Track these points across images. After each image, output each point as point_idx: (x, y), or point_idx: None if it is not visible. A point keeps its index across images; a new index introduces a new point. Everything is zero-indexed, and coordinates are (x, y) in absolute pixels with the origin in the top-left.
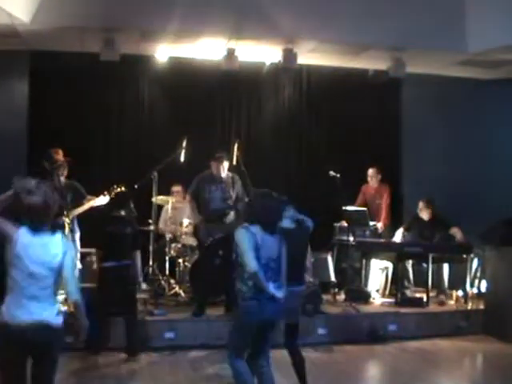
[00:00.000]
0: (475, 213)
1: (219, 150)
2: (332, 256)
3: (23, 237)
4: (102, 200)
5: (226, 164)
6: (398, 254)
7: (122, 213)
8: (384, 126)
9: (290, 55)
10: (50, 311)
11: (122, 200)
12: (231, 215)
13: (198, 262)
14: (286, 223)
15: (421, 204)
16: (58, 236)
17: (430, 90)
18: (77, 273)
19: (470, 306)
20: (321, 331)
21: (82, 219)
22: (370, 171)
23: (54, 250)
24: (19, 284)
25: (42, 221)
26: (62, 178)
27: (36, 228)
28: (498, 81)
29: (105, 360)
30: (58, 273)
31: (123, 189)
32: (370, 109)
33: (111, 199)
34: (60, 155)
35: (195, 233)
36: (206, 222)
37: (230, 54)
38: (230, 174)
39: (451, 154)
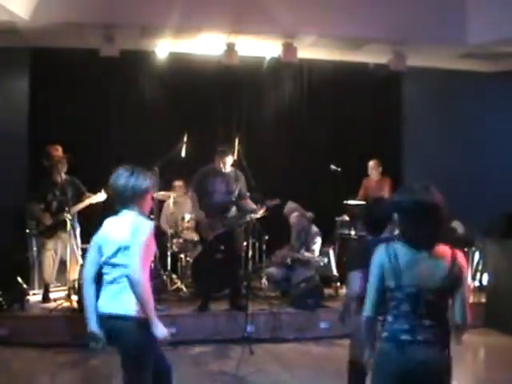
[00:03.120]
0: (476, 206)
1: (222, 144)
2: (334, 250)
3: None
4: (100, 197)
5: (229, 158)
6: None
7: None
8: (385, 120)
9: (289, 49)
10: None
11: None
12: (233, 210)
13: (199, 256)
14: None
15: None
16: None
17: (431, 83)
18: None
19: (471, 299)
20: (323, 325)
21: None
22: (371, 164)
23: None
24: None
25: None
26: (62, 175)
27: None
28: (498, 73)
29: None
30: None
31: None
32: (371, 102)
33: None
34: (59, 152)
35: (197, 228)
36: (207, 217)
37: (230, 48)
38: (234, 170)
39: (452, 147)
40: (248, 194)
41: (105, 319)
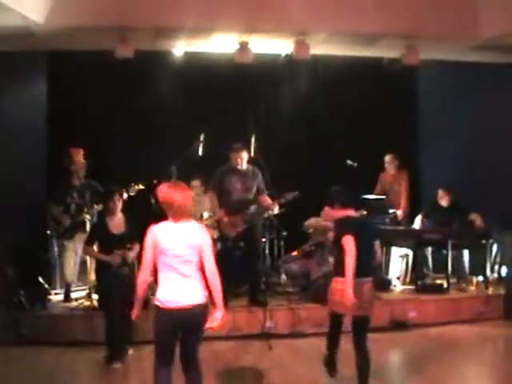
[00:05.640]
0: (494, 198)
1: (236, 141)
2: None
3: None
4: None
5: (244, 155)
6: (418, 241)
7: None
8: (400, 113)
9: (302, 46)
10: None
11: (143, 197)
12: (252, 207)
13: (219, 254)
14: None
15: (440, 192)
16: None
17: (447, 76)
18: None
19: (490, 291)
20: None
21: None
22: (387, 158)
23: None
24: None
25: None
26: (82, 178)
27: None
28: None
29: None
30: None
31: (141, 186)
32: (387, 96)
33: (132, 197)
34: (80, 156)
35: (219, 226)
36: (227, 215)
37: (243, 47)
38: (251, 167)
39: (468, 140)
40: (266, 191)
41: None
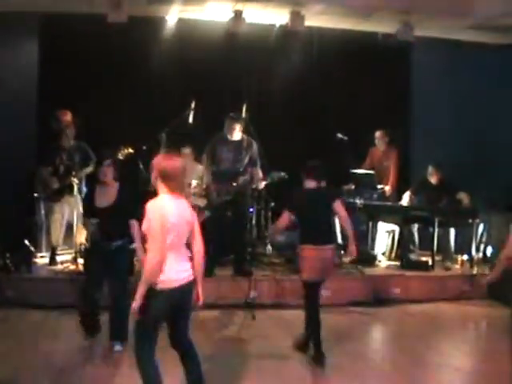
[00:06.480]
0: (483, 178)
1: (230, 111)
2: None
3: None
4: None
5: (236, 125)
6: (405, 218)
7: None
8: (394, 89)
9: (297, 18)
10: None
11: (132, 161)
12: (241, 178)
13: (205, 222)
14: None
15: (430, 168)
16: None
17: (442, 54)
18: None
19: (475, 270)
20: (324, 293)
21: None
22: (377, 134)
23: None
24: None
25: None
26: (71, 140)
27: None
28: (507, 46)
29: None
30: None
31: (130, 150)
32: (380, 72)
33: (120, 161)
34: (68, 116)
35: (206, 193)
36: (215, 183)
37: (237, 16)
38: (246, 137)
39: (459, 119)
40: (259, 163)
41: None
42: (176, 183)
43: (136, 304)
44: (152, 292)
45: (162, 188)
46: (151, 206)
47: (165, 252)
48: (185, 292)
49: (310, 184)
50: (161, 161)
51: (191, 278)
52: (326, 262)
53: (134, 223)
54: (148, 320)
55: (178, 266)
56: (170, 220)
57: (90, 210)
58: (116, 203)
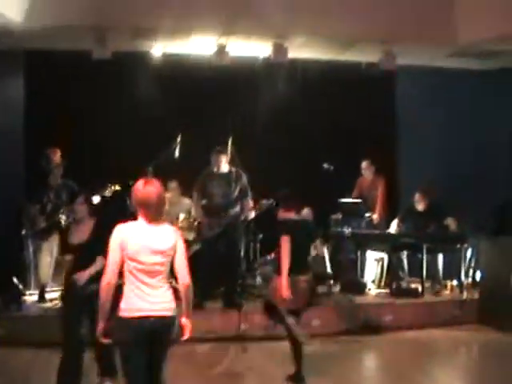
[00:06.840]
0: (470, 203)
1: (216, 144)
2: (328, 248)
3: None
4: (95, 199)
5: (223, 158)
6: (393, 245)
7: None
8: (379, 118)
9: (280, 50)
10: None
11: (119, 198)
12: (232, 210)
13: (195, 255)
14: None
15: (417, 195)
16: None
17: (425, 82)
18: None
19: (464, 295)
20: (315, 323)
21: None
22: (364, 164)
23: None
24: None
25: None
26: (58, 178)
27: None
28: (492, 71)
29: None
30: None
31: (117, 187)
32: (365, 101)
33: (108, 198)
34: (57, 155)
35: (198, 227)
36: (206, 217)
37: (221, 49)
38: (234, 169)
39: (446, 145)
40: (250, 194)
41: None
42: (147, 209)
43: (99, 327)
44: (114, 318)
45: (140, 215)
46: (117, 229)
47: (114, 274)
48: (156, 325)
49: (292, 215)
50: (137, 188)
51: (169, 310)
52: (298, 291)
53: (100, 259)
54: (117, 346)
55: (147, 296)
56: (130, 246)
57: (64, 246)
58: (89, 240)
